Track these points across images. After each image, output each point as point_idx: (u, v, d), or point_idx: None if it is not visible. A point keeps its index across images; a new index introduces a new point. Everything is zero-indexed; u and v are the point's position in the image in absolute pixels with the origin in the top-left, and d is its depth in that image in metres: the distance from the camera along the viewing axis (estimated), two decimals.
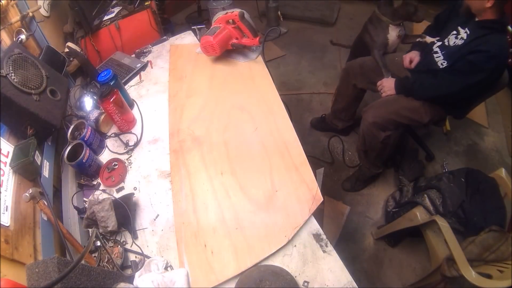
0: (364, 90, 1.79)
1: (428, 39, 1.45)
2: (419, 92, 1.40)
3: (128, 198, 0.94)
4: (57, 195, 1.02)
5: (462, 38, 1.29)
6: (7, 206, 0.78)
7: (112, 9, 1.76)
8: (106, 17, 1.70)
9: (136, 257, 0.86)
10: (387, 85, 1.50)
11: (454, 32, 1.33)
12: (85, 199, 1.02)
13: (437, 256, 1.21)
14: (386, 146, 1.53)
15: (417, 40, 1.52)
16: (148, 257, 0.83)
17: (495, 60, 1.18)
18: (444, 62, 1.36)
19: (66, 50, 1.35)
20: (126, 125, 1.19)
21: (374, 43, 1.60)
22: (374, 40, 1.60)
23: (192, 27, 1.63)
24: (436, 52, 1.40)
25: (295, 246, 0.80)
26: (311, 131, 2.15)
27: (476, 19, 1.27)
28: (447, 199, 1.24)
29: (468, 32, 1.27)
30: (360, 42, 1.80)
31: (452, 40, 1.33)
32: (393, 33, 1.55)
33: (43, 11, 1.38)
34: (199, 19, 2.99)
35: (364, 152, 1.62)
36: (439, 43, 1.40)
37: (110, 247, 0.87)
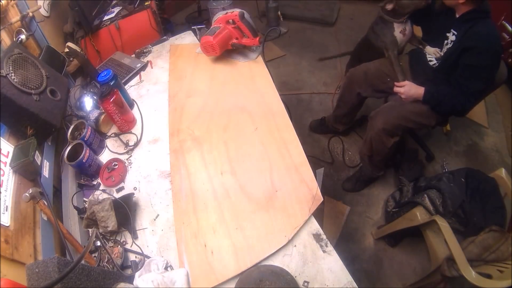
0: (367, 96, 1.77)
1: (429, 49, 1.43)
2: (445, 108, 1.35)
3: (128, 198, 0.94)
4: (57, 195, 1.02)
5: (452, 41, 1.29)
6: (7, 206, 0.78)
7: (112, 9, 1.76)
8: (106, 17, 1.70)
9: (136, 257, 0.86)
10: (411, 91, 1.38)
11: (445, 40, 1.33)
12: (85, 199, 1.02)
13: (437, 256, 1.21)
14: (391, 151, 1.53)
15: (419, 46, 1.49)
16: (148, 257, 0.83)
17: (488, 53, 1.17)
18: (436, 64, 1.38)
19: (66, 50, 1.35)
20: (126, 125, 1.19)
21: (385, 44, 1.56)
22: (384, 41, 1.56)
23: (192, 27, 1.62)
24: (431, 58, 1.42)
25: (295, 246, 0.80)
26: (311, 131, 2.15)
27: (457, 16, 1.27)
28: (447, 199, 1.23)
29: (455, 32, 1.27)
30: (365, 45, 1.76)
31: (445, 48, 1.34)
32: (398, 30, 1.51)
33: (43, 11, 1.38)
34: (199, 19, 2.99)
35: (369, 157, 1.61)
36: (437, 59, 1.39)
37: (110, 247, 0.87)
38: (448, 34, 1.31)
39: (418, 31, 1.60)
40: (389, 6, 1.42)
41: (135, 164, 1.09)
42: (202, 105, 1.22)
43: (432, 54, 1.41)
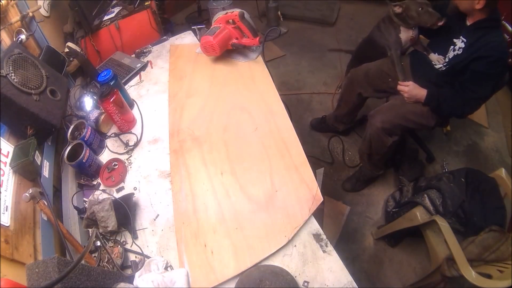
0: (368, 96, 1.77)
1: (433, 56, 1.42)
2: (445, 111, 1.37)
3: (128, 198, 0.94)
4: (57, 195, 1.02)
5: (460, 47, 1.29)
6: (7, 206, 0.78)
7: (112, 9, 1.76)
8: (106, 17, 1.70)
9: (136, 257, 0.86)
10: (414, 91, 1.38)
11: (451, 46, 1.32)
12: (85, 199, 1.02)
13: (437, 256, 1.21)
14: (391, 150, 1.53)
15: (423, 53, 1.48)
16: (148, 257, 0.83)
17: (499, 61, 1.18)
18: (442, 68, 1.37)
19: (66, 50, 1.35)
20: (126, 125, 1.19)
21: (388, 42, 1.55)
22: (387, 39, 1.55)
23: (192, 27, 1.62)
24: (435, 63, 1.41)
25: (295, 246, 0.80)
26: (311, 131, 2.15)
27: (468, 24, 1.27)
28: (447, 199, 1.23)
29: (465, 40, 1.27)
30: (368, 45, 1.75)
31: (451, 54, 1.33)
32: (404, 34, 1.50)
33: (43, 11, 1.38)
34: (199, 19, 2.99)
35: (368, 155, 1.61)
36: (442, 64, 1.38)
37: (110, 247, 0.87)
38: (455, 40, 1.30)
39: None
40: (398, 9, 1.44)
41: (135, 164, 1.09)
42: (202, 105, 1.22)
43: (435, 62, 1.40)
